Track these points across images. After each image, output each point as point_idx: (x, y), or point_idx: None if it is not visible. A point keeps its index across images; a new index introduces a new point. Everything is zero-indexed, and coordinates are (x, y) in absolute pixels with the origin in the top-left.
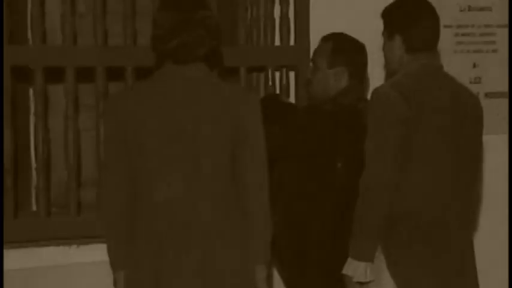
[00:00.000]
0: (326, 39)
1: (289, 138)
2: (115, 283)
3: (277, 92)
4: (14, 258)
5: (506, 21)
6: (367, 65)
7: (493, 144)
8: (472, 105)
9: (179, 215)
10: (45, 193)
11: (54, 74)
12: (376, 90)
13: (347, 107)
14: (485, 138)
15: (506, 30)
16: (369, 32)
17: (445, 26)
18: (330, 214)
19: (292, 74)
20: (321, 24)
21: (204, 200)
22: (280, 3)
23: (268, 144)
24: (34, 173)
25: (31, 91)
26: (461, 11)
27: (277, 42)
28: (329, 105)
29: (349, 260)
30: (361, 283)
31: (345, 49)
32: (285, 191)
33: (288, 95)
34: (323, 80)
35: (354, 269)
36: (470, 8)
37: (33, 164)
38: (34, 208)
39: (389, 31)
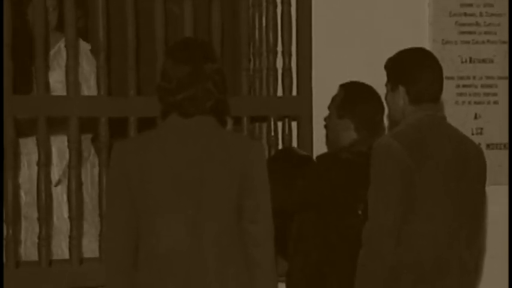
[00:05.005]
0: (341, 87)
1: (307, 188)
2: None
3: (279, 140)
4: None
5: (507, 73)
6: (381, 116)
7: (495, 195)
8: (475, 156)
9: (182, 265)
10: (47, 242)
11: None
12: (377, 141)
13: (362, 154)
14: (487, 189)
15: (507, 82)
16: (372, 82)
17: (447, 78)
18: (349, 265)
19: (294, 124)
20: (324, 75)
21: (207, 250)
22: (283, 55)
23: (288, 197)
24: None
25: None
26: (462, 62)
27: (279, 93)
28: (345, 153)
29: None
30: None
31: (352, 100)
32: (304, 242)
33: (290, 145)
34: (333, 129)
35: None
36: (471, 60)
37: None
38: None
39: (392, 82)
